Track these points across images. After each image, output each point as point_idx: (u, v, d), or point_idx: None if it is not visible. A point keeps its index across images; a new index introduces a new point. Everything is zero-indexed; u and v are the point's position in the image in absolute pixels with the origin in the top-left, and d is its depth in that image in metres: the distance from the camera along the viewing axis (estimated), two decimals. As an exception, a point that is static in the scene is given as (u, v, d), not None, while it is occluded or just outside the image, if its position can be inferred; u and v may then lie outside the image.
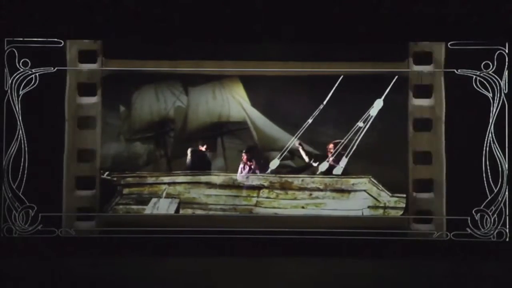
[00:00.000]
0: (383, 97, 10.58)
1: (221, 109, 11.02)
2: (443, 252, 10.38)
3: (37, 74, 10.50)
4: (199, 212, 10.68)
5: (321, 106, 10.61)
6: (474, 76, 10.46)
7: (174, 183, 10.72)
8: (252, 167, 10.83)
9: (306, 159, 10.83)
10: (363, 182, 10.63)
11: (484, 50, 10.49)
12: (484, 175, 10.40)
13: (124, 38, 10.58)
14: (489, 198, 10.39)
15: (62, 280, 9.25)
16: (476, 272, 9.78)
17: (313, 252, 10.17)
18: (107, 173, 10.65)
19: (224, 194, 10.70)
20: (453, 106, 10.55)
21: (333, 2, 10.41)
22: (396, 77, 10.60)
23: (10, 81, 10.45)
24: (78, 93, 10.66)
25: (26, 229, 10.42)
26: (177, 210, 10.66)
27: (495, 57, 10.44)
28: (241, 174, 10.82)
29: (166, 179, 10.74)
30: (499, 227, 10.40)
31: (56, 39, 10.54)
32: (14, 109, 10.44)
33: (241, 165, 10.88)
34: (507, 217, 10.40)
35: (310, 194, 10.67)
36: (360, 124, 10.60)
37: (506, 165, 10.41)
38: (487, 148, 10.43)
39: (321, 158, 10.81)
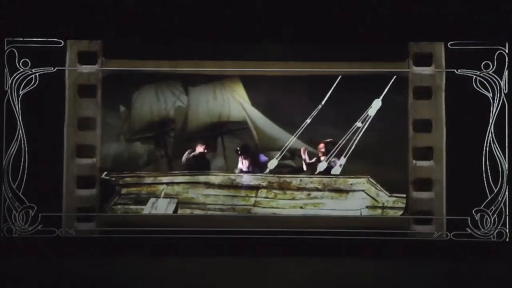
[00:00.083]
0: (381, 97, 10.58)
1: (221, 109, 11.03)
2: (443, 252, 10.38)
3: (37, 74, 10.51)
4: (197, 212, 10.69)
5: (320, 106, 10.62)
6: (474, 76, 10.46)
7: (173, 183, 10.72)
8: (249, 163, 10.85)
9: (304, 167, 10.85)
10: (361, 182, 10.63)
11: (484, 50, 10.49)
12: (484, 175, 10.40)
13: (124, 38, 10.59)
14: (489, 198, 10.39)
15: (62, 280, 9.23)
16: (476, 272, 9.77)
17: (312, 252, 10.18)
18: (105, 173, 10.66)
19: (223, 194, 10.70)
20: (453, 106, 10.53)
21: (333, 2, 10.40)
22: (395, 77, 10.60)
23: (10, 81, 10.47)
24: (78, 93, 10.66)
25: (26, 229, 10.44)
26: (175, 210, 10.67)
27: (495, 57, 10.44)
28: (241, 167, 10.85)
29: (165, 179, 10.74)
30: (499, 227, 10.40)
31: (56, 39, 10.55)
32: (14, 109, 10.46)
33: (240, 160, 10.92)
34: (507, 217, 10.40)
35: (309, 194, 10.67)
36: (358, 124, 10.61)
37: (506, 165, 10.40)
38: (487, 148, 10.42)
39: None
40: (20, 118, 10.45)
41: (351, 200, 10.65)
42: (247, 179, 10.77)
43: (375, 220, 10.63)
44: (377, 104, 10.59)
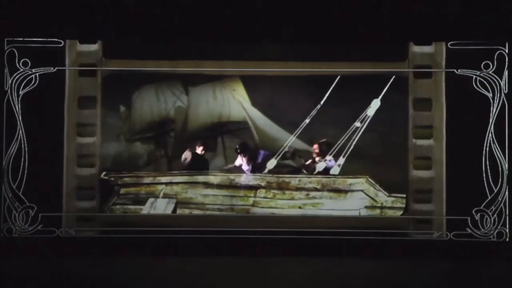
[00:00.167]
0: (380, 97, 10.58)
1: (221, 109, 11.04)
2: (443, 252, 10.38)
3: (37, 74, 10.52)
4: (196, 212, 10.69)
5: (318, 106, 10.62)
6: (474, 76, 10.46)
7: (171, 183, 10.72)
8: (248, 161, 10.87)
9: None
10: (360, 182, 10.63)
11: (484, 50, 10.49)
12: (484, 175, 10.40)
13: (124, 38, 10.59)
14: (489, 198, 10.39)
15: (62, 280, 9.22)
16: (476, 272, 9.78)
17: (311, 252, 10.19)
18: (104, 173, 10.67)
19: (221, 194, 10.70)
20: (453, 106, 10.53)
21: (333, 2, 10.39)
22: (394, 76, 10.59)
23: (10, 81, 10.48)
24: (78, 94, 10.68)
25: (26, 229, 10.45)
26: (174, 210, 10.67)
27: (495, 57, 10.44)
28: (243, 166, 10.87)
29: (164, 179, 10.75)
30: (499, 227, 10.40)
31: (56, 39, 10.57)
32: (14, 109, 10.47)
33: (240, 158, 10.94)
34: (507, 217, 10.41)
35: (307, 194, 10.67)
36: (357, 124, 10.61)
37: (506, 165, 10.40)
38: (487, 148, 10.42)
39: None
40: (20, 118, 10.46)
41: (350, 200, 10.65)
42: (245, 179, 10.77)
43: (374, 220, 10.63)
44: (376, 104, 10.59)
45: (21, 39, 10.50)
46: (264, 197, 10.67)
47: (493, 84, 10.43)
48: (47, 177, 10.47)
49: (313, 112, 10.61)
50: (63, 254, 10.30)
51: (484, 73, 10.44)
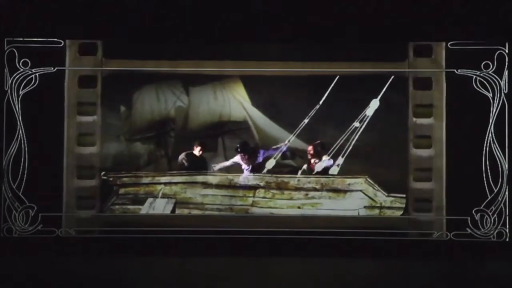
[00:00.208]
0: (379, 97, 10.58)
1: (222, 109, 11.03)
2: (443, 252, 10.36)
3: (37, 74, 10.52)
4: (195, 212, 10.69)
5: (317, 106, 10.61)
6: (474, 76, 10.45)
7: (170, 183, 10.72)
8: (247, 159, 10.87)
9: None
10: (359, 182, 10.61)
11: (484, 50, 10.48)
12: (484, 175, 10.39)
13: (124, 38, 10.59)
14: (489, 198, 10.38)
15: (62, 280, 9.25)
16: (476, 272, 9.77)
17: (310, 252, 10.18)
18: (103, 173, 10.67)
19: (220, 194, 10.69)
20: (453, 106, 10.52)
21: (333, 2, 10.39)
22: (393, 76, 10.59)
23: (10, 81, 10.48)
24: (78, 94, 10.68)
25: (26, 229, 10.45)
26: (173, 210, 10.66)
27: (495, 57, 10.43)
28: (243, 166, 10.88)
29: (163, 179, 10.73)
30: (499, 227, 10.39)
31: (56, 39, 10.56)
32: (14, 109, 10.47)
33: (240, 157, 10.94)
34: (507, 217, 10.39)
35: (306, 194, 10.66)
36: (356, 124, 10.60)
37: (506, 165, 10.39)
38: (487, 148, 10.41)
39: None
40: (20, 118, 10.46)
41: (349, 200, 10.63)
42: (244, 179, 10.78)
43: (373, 220, 10.63)
44: (375, 104, 10.58)
45: (21, 39, 10.50)
46: (263, 197, 10.66)
47: (493, 84, 10.42)
48: (47, 177, 10.47)
49: (312, 112, 10.61)
50: (63, 254, 10.28)
51: (484, 73, 10.43)
